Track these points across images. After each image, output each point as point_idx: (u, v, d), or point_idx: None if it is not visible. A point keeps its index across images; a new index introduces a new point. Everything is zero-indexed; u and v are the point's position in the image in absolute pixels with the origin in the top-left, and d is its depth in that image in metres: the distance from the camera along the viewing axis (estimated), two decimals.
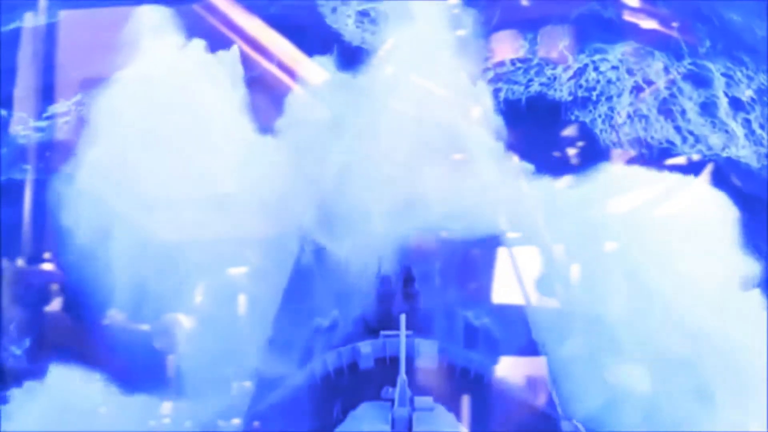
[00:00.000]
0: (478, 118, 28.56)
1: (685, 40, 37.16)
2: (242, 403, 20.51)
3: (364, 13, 38.74)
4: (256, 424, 19.17)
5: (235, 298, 24.52)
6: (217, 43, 30.93)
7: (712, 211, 25.95)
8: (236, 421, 20.23)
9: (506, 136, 28.35)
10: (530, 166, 28.39)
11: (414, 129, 26.05)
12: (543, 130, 33.46)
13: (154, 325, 24.64)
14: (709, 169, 31.44)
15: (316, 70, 30.75)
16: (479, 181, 25.63)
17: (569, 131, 34.13)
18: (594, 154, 32.66)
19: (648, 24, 37.63)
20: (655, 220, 25.28)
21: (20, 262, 28.38)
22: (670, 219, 25.24)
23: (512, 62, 36.74)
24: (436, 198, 24.20)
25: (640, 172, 29.03)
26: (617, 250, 24.51)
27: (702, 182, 29.00)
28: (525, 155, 28.94)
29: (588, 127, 34.34)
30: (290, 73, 31.76)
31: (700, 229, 25.02)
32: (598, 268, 24.21)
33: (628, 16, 37.78)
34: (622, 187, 26.88)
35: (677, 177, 28.39)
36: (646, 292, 23.37)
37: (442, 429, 17.17)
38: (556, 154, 32.68)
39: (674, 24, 37.45)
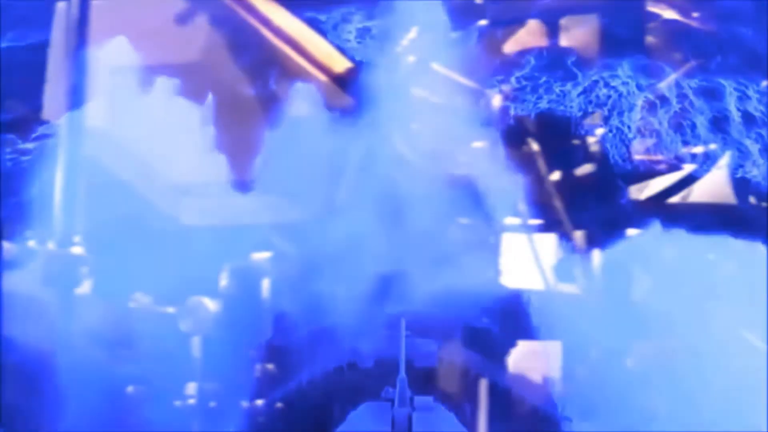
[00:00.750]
0: (485, 156, 28.65)
1: (695, 55, 38.69)
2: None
3: (366, 30, 40.29)
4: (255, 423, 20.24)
5: None
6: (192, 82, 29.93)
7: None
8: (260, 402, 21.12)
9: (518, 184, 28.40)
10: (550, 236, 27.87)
11: (414, 175, 26.48)
12: (555, 161, 32.04)
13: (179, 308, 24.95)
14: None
15: (309, 100, 30.50)
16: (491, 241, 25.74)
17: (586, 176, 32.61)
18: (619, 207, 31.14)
19: (657, 37, 39.17)
20: (699, 290, 24.15)
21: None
22: (716, 289, 24.17)
23: (518, 80, 38.09)
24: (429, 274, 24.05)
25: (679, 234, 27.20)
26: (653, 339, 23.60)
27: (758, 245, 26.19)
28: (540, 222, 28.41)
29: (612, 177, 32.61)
30: (280, 101, 30.89)
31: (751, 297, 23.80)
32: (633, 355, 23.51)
33: (636, 30, 39.24)
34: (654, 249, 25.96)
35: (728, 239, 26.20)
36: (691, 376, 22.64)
37: (442, 429, 18.16)
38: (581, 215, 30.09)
39: (685, 34, 38.86)
